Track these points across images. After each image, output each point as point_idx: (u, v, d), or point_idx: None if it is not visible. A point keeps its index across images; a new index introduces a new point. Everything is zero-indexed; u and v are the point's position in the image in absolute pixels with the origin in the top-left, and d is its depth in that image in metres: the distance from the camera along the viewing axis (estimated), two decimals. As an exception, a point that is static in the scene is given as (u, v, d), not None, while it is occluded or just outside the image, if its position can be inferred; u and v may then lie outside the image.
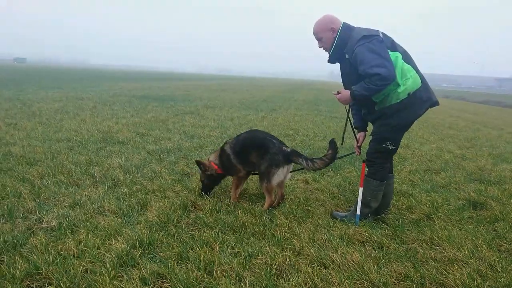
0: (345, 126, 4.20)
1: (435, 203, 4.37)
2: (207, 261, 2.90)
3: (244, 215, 3.83)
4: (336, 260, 2.98)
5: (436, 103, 3.72)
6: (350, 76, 3.71)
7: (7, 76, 30.69)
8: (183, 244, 3.19)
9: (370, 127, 4.02)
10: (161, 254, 3.03)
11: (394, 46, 3.58)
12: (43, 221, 3.56)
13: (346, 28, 3.67)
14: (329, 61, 3.88)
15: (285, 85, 47.29)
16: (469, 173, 6.07)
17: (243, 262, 2.91)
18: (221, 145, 4.60)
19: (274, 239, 3.32)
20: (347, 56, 3.62)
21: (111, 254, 2.91)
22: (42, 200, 4.04)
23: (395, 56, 3.51)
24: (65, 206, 3.93)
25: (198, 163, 4.44)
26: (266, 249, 3.11)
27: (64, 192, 4.27)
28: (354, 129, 4.19)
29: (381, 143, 3.72)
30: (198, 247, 3.14)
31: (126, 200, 4.08)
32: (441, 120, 14.57)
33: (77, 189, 4.42)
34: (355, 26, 3.72)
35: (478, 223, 3.96)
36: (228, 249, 3.13)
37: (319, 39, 3.79)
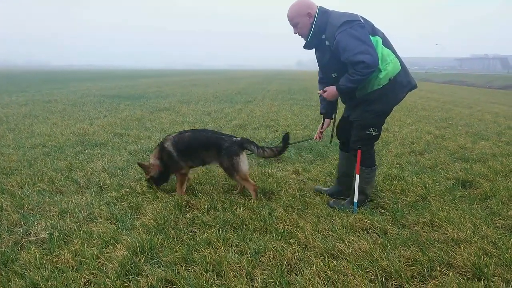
0: (333, 125, 4.21)
1: (426, 185, 4.42)
2: (214, 262, 2.80)
3: (242, 211, 3.75)
4: (344, 250, 2.94)
5: (415, 86, 3.73)
6: (330, 63, 3.64)
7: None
8: (185, 246, 3.08)
9: (339, 112, 4.05)
10: (164, 258, 2.90)
11: (374, 31, 3.53)
12: (30, 233, 3.36)
13: (323, 12, 3.55)
14: (305, 47, 3.77)
15: (256, 77, 47.16)
16: (452, 152, 6.20)
17: (251, 260, 2.83)
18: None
19: (278, 234, 3.25)
20: (327, 43, 3.54)
21: (113, 263, 2.76)
22: (26, 211, 3.81)
23: (375, 40, 3.46)
24: (52, 216, 3.72)
25: (140, 165, 4.44)
26: (272, 245, 3.04)
27: (48, 201, 4.05)
28: (321, 114, 4.14)
29: (364, 129, 3.70)
30: (201, 248, 3.03)
31: (117, 205, 3.91)
32: (412, 102, 14.86)
33: (62, 197, 4.20)
34: (331, 10, 3.64)
35: (471, 201, 4.03)
36: (233, 247, 3.04)
37: (294, 25, 3.65)
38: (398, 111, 11.51)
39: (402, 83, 3.59)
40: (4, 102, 13.97)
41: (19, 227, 3.48)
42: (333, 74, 3.67)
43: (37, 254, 2.91)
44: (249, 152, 4.30)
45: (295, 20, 3.62)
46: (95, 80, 35.94)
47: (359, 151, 3.82)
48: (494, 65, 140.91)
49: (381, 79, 3.48)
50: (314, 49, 3.80)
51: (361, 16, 3.54)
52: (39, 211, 3.83)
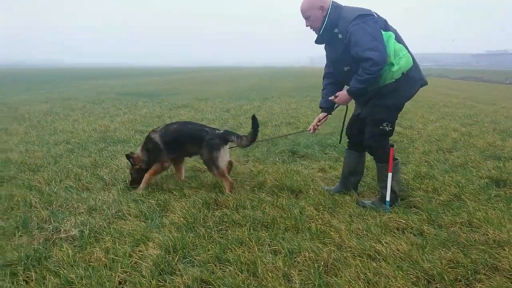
0: (342, 126, 4.21)
1: (459, 184, 4.28)
2: (249, 262, 2.73)
3: (271, 209, 3.67)
4: (382, 251, 2.85)
5: (426, 83, 3.70)
6: (343, 56, 3.57)
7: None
8: (217, 245, 3.02)
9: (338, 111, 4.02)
10: (197, 257, 2.85)
11: (387, 27, 3.51)
12: (60, 230, 3.35)
13: (336, 7, 3.54)
14: (316, 42, 3.75)
15: (267, 74, 46.94)
16: (481, 150, 6.02)
17: (286, 260, 2.76)
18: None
19: (311, 233, 3.17)
20: (340, 36, 3.50)
21: (147, 262, 2.72)
22: (55, 208, 3.80)
23: (388, 35, 3.44)
24: (80, 213, 3.71)
25: (128, 157, 4.48)
26: (306, 245, 2.96)
27: (76, 198, 4.04)
28: (320, 108, 4.11)
29: (377, 125, 3.64)
30: (233, 247, 2.97)
31: (145, 202, 3.88)
32: (432, 99, 14.58)
33: (89, 194, 4.19)
34: (343, 4, 3.62)
35: (507, 201, 3.88)
36: (266, 247, 2.97)
37: (306, 18, 3.64)
38: (420, 108, 11.31)
39: (414, 78, 3.56)
40: (24, 100, 14.16)
41: (48, 224, 3.47)
42: (345, 68, 3.62)
43: (69, 251, 2.88)
44: (234, 145, 4.41)
45: (308, 13, 3.61)
46: (107, 78, 36.23)
47: (391, 149, 3.71)
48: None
49: (394, 72, 3.44)
50: (323, 45, 3.79)
51: (374, 12, 3.52)
52: (67, 208, 3.82)
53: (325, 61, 4.00)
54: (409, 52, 3.52)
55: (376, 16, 3.46)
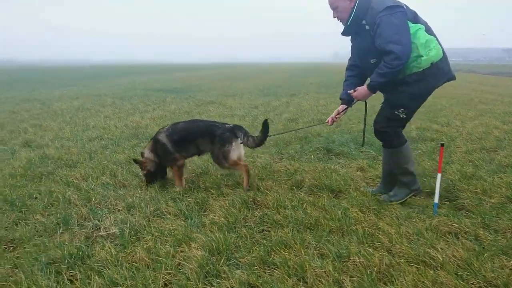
0: (364, 126, 4.15)
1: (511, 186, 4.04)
2: (296, 266, 2.62)
3: (313, 210, 3.54)
4: (437, 257, 2.67)
5: (453, 77, 3.59)
6: (370, 48, 3.47)
7: (13, 78, 30.60)
8: (260, 246, 2.91)
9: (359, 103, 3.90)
10: (242, 260, 2.76)
11: (416, 19, 3.42)
12: (100, 228, 3.32)
13: None
14: (343, 34, 3.67)
15: (292, 70, 46.60)
16: (529, 149, 5.70)
17: (336, 265, 2.62)
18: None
19: (358, 236, 3.03)
20: (367, 27, 3.42)
21: (192, 264, 2.64)
22: (94, 205, 3.79)
23: (418, 28, 3.36)
24: (119, 210, 3.69)
25: (136, 161, 4.42)
26: (354, 248, 2.82)
27: (113, 195, 4.02)
28: (340, 99, 3.99)
29: (393, 109, 3.58)
30: (278, 249, 2.86)
31: (183, 201, 3.81)
32: (466, 95, 14.04)
33: (125, 191, 4.17)
34: None
35: None
36: (312, 250, 2.85)
37: (334, 8, 3.57)
38: (454, 105, 10.91)
39: (444, 70, 3.47)
40: (56, 96, 14.44)
41: (88, 221, 3.45)
42: (371, 60, 3.53)
43: (112, 251, 2.84)
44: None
45: (336, 4, 3.55)
46: (132, 74, 36.68)
47: (441, 149, 3.52)
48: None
49: (421, 62, 3.37)
50: (350, 37, 3.72)
51: (405, 4, 3.44)
52: (106, 205, 3.80)
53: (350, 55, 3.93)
54: (439, 44, 3.44)
55: (405, 8, 3.37)
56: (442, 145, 3.55)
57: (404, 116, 3.58)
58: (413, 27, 3.33)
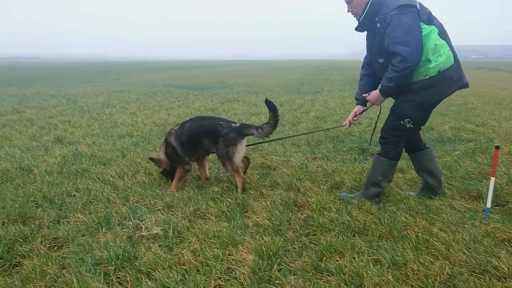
0: (375, 127, 4.05)
1: None
2: (351, 273, 2.51)
3: (359, 213, 3.42)
4: (501, 268, 2.53)
5: (466, 85, 3.41)
6: (379, 47, 3.37)
7: (35, 73, 31.12)
8: (310, 251, 2.81)
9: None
10: (292, 265, 2.66)
11: (430, 19, 3.27)
12: (141, 227, 3.26)
13: None
14: (357, 29, 3.58)
15: (311, 67, 46.20)
16: None
17: (395, 273, 2.50)
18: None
19: (411, 242, 2.89)
20: (378, 25, 3.30)
21: (244, 268, 2.55)
22: (133, 204, 3.74)
23: (430, 30, 3.22)
24: (158, 210, 3.63)
25: (152, 160, 4.42)
26: (409, 255, 2.69)
27: (151, 194, 3.98)
28: (355, 100, 3.93)
29: (398, 119, 3.48)
30: (329, 254, 2.76)
31: (223, 201, 3.73)
32: (496, 94, 13.63)
33: (163, 190, 4.12)
34: None
35: None
36: (365, 256, 2.73)
37: (348, 2, 3.48)
38: (486, 104, 10.60)
39: (453, 78, 3.31)
40: (80, 92, 14.58)
41: (128, 221, 3.41)
42: (379, 60, 3.46)
43: (161, 252, 2.77)
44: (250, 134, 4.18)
45: None
46: (152, 70, 36.96)
47: (496, 151, 3.36)
48: None
49: (429, 69, 3.25)
50: (366, 33, 3.61)
51: (419, 3, 3.29)
52: (144, 204, 3.76)
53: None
54: (451, 50, 3.28)
55: (418, 7, 3.23)
56: (497, 147, 3.38)
57: (411, 126, 3.46)
58: (425, 28, 3.20)
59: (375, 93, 3.54)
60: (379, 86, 3.50)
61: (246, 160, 4.42)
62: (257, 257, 2.70)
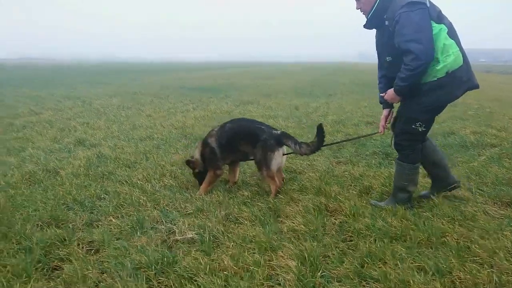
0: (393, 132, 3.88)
1: None
2: (397, 280, 2.47)
3: (393, 219, 3.37)
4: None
5: (476, 86, 3.37)
6: (387, 45, 3.35)
7: (44, 74, 31.36)
8: (350, 257, 2.78)
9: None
10: (334, 271, 2.63)
11: (440, 18, 3.22)
12: (175, 232, 3.25)
13: None
14: (365, 26, 3.56)
15: (319, 69, 46.12)
16: None
17: (443, 281, 2.46)
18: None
19: (452, 249, 2.84)
20: (387, 23, 3.27)
21: (290, 275, 2.52)
22: (163, 208, 3.73)
23: (439, 29, 3.17)
24: (189, 214, 3.61)
25: (188, 162, 4.34)
26: (452, 263, 2.65)
27: (180, 198, 3.97)
28: (380, 104, 3.87)
29: (410, 123, 3.43)
30: (370, 261, 2.72)
31: (254, 206, 3.71)
32: (511, 97, 13.50)
33: (191, 194, 4.10)
34: None
35: None
36: (407, 263, 2.69)
37: None
38: (504, 108, 10.48)
39: (462, 79, 3.26)
40: (94, 94, 14.65)
41: (161, 225, 3.40)
42: (387, 58, 3.45)
43: (200, 258, 2.75)
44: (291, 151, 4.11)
45: None
46: (162, 72, 37.08)
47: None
48: None
49: (437, 70, 3.20)
50: (375, 31, 3.58)
51: (429, 0, 3.21)
52: (175, 208, 3.75)
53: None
54: (461, 50, 3.23)
55: (428, 5, 3.17)
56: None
57: (423, 129, 3.44)
58: (435, 27, 3.15)
59: (391, 92, 3.46)
60: (394, 85, 3.41)
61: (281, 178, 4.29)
62: (299, 263, 2.66)
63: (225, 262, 2.71)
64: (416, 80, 3.23)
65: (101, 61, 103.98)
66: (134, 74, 33.19)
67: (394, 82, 3.38)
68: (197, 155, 4.29)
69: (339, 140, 6.04)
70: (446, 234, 3.09)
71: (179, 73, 33.81)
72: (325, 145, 4.11)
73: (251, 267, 2.65)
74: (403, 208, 3.55)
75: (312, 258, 2.72)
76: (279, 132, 4.09)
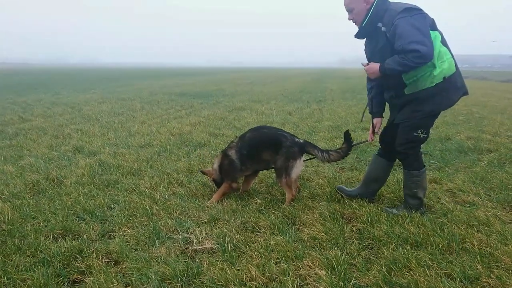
0: (366, 105, 4.10)
1: None
2: (427, 288, 2.47)
3: (410, 225, 3.39)
4: None
5: (467, 92, 3.52)
6: (383, 51, 3.40)
7: (28, 79, 30.73)
8: (375, 265, 2.78)
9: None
10: (362, 280, 2.62)
11: (434, 26, 3.34)
12: (192, 241, 3.19)
13: (382, 1, 3.40)
14: (356, 36, 3.62)
15: (306, 75, 46.42)
16: None
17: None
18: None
19: (474, 255, 2.87)
20: (383, 29, 3.35)
21: (322, 284, 2.50)
22: (177, 217, 3.67)
23: (435, 35, 3.28)
24: (204, 223, 3.56)
25: (203, 173, 4.43)
26: (479, 269, 2.67)
27: (192, 206, 3.90)
28: (370, 114, 4.01)
29: (412, 131, 3.49)
30: (396, 268, 2.72)
31: (270, 213, 3.68)
32: (496, 103, 13.77)
33: (202, 201, 4.05)
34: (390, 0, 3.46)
35: None
36: (433, 270, 2.70)
37: (350, 10, 3.51)
38: (492, 113, 10.72)
39: (457, 84, 3.39)
40: (82, 100, 14.41)
41: (177, 234, 3.33)
42: (385, 61, 3.41)
43: (226, 268, 2.71)
44: (311, 156, 4.13)
45: (352, 5, 3.49)
46: (149, 78, 36.78)
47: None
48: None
49: (435, 76, 3.28)
50: (364, 40, 3.66)
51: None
52: (189, 217, 3.69)
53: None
54: (452, 57, 3.35)
55: (424, 12, 3.29)
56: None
57: (425, 135, 3.51)
58: (431, 33, 3.24)
59: (375, 66, 3.44)
60: (385, 63, 3.37)
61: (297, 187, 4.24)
62: (329, 272, 2.65)
63: (252, 273, 2.67)
64: (409, 72, 3.28)
65: (82, 66, 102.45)
66: (119, 80, 32.80)
67: (386, 60, 3.35)
68: (215, 165, 4.24)
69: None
70: (466, 240, 3.12)
71: (168, 79, 33.51)
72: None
73: (280, 277, 2.62)
74: (419, 214, 3.58)
75: (340, 267, 2.71)
76: (302, 140, 4.09)
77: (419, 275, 2.62)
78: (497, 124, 8.90)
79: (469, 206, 3.86)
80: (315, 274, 2.63)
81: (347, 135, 4.03)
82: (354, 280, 2.61)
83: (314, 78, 36.05)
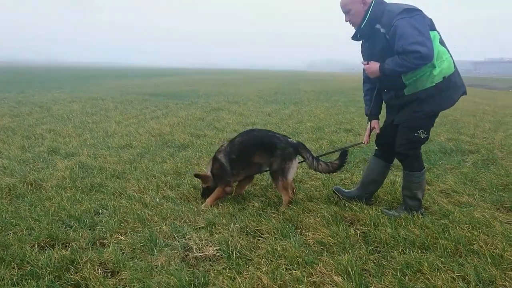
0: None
1: None
2: (446, 293, 2.41)
3: (415, 228, 3.34)
4: None
5: (466, 92, 3.53)
6: (382, 52, 3.39)
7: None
8: (388, 269, 2.69)
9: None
10: (378, 285, 2.53)
11: (433, 27, 3.33)
12: (192, 248, 3.01)
13: (380, 2, 3.38)
14: (354, 38, 3.58)
15: (277, 77, 46.53)
16: None
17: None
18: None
19: (484, 258, 2.84)
20: (382, 30, 3.32)
21: (340, 293, 2.38)
22: (172, 222, 3.46)
23: (433, 35, 3.26)
24: (202, 228, 3.38)
25: (197, 176, 4.08)
26: (494, 272, 2.63)
27: (186, 210, 3.71)
28: (367, 116, 3.93)
29: (412, 131, 3.47)
30: (408, 272, 2.65)
31: (269, 217, 3.53)
32: (467, 106, 14.20)
33: (196, 205, 3.86)
34: (387, 1, 3.44)
35: None
36: (447, 274, 2.64)
37: (347, 12, 3.47)
38: (465, 116, 11.02)
39: (457, 83, 3.39)
40: (50, 99, 13.76)
41: (173, 240, 3.14)
42: (385, 62, 3.41)
43: (236, 276, 2.54)
44: (302, 159, 4.01)
45: (348, 7, 3.44)
46: (118, 77, 35.86)
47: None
48: (510, 69, 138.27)
49: (434, 76, 3.28)
50: (361, 42, 3.63)
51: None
52: (185, 222, 3.49)
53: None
54: (451, 57, 3.35)
55: (423, 12, 3.29)
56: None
57: (425, 136, 3.51)
58: (430, 33, 3.24)
59: (375, 65, 3.40)
60: (385, 64, 3.34)
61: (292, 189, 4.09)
62: (345, 279, 2.53)
63: (264, 281, 2.52)
64: (409, 72, 3.26)
65: (45, 64, 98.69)
66: (87, 78, 31.74)
67: (386, 61, 3.32)
68: (208, 171, 4.05)
69: (331, 150, 6.03)
70: (472, 242, 3.10)
71: (138, 79, 32.70)
72: (322, 155, 4.29)
73: (294, 285, 2.48)
74: (421, 216, 3.54)
75: (353, 272, 2.60)
76: (295, 141, 3.98)
77: (436, 279, 2.56)
78: (471, 126, 9.15)
79: (466, 207, 3.86)
80: (331, 280, 2.51)
81: (343, 154, 3.93)
82: (370, 286, 2.51)
83: (285, 81, 36.14)
